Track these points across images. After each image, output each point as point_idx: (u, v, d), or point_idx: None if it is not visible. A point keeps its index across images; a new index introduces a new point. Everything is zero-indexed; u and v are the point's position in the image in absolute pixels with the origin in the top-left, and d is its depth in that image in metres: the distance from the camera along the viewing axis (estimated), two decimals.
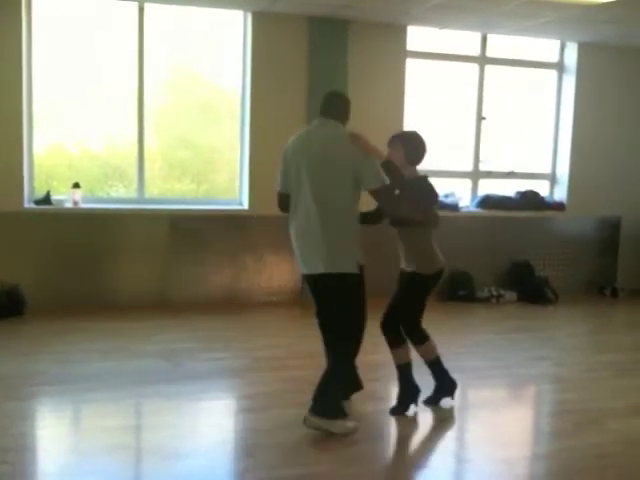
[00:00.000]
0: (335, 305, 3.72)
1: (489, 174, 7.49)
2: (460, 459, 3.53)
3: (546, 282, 7.22)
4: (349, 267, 3.61)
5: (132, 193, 6.50)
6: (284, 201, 3.81)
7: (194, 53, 6.67)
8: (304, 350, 4.93)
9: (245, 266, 6.57)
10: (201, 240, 6.43)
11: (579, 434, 3.74)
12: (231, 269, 6.54)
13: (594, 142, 7.49)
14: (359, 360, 3.81)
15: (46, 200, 6.08)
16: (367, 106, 6.27)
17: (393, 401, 3.97)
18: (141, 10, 6.21)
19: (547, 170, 7.69)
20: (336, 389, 3.67)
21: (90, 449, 3.43)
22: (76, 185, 6.10)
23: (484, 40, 7.21)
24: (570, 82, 7.47)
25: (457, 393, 4.10)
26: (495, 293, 7.05)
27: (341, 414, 3.62)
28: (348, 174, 3.58)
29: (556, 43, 7.49)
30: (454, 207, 7.07)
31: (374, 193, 3.60)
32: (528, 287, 7.15)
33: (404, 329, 3.96)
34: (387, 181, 3.60)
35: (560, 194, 7.63)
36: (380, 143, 3.72)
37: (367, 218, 3.81)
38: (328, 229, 3.59)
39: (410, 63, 6.92)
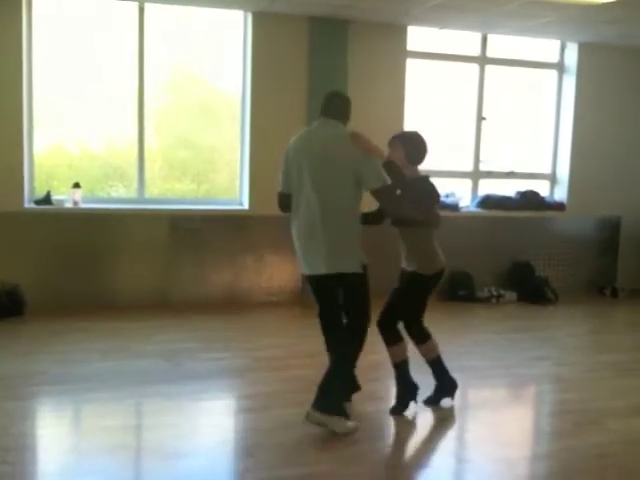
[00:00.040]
0: (338, 305, 3.73)
1: (489, 174, 7.49)
2: (460, 459, 3.53)
3: (546, 282, 7.22)
4: (351, 267, 3.62)
5: (132, 193, 6.50)
6: (285, 201, 3.81)
7: (194, 53, 6.67)
8: (304, 350, 4.93)
9: (245, 266, 6.57)
10: (201, 240, 6.43)
11: (579, 434, 3.74)
12: (231, 269, 6.54)
13: (594, 142, 7.49)
14: (358, 360, 3.81)
15: (46, 200, 6.09)
16: (367, 106, 6.27)
17: (393, 401, 3.97)
18: (141, 10, 6.21)
19: (547, 170, 7.69)
20: (338, 388, 3.67)
21: (90, 449, 3.43)
22: (76, 185, 6.10)
23: (484, 40, 7.21)
24: (570, 82, 7.47)
25: (457, 393, 4.10)
26: (495, 293, 7.05)
27: (342, 414, 3.62)
28: (349, 174, 3.58)
29: (556, 43, 7.49)
30: (454, 207, 7.07)
31: (375, 193, 3.60)
32: (528, 287, 7.15)
33: (406, 328, 3.97)
34: (388, 181, 3.60)
35: (560, 194, 7.63)
36: (380, 143, 3.72)
37: (368, 219, 3.81)
38: (330, 229, 3.59)
39: (410, 63, 6.92)
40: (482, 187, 7.47)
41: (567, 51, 7.48)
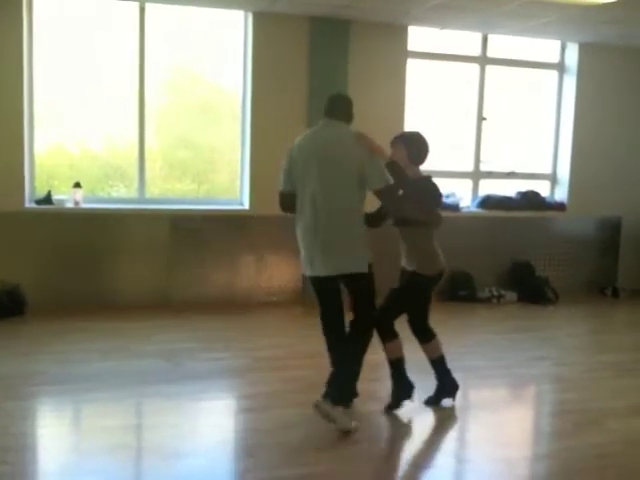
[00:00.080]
0: (341, 307, 3.74)
1: (490, 174, 7.49)
2: (460, 459, 3.53)
3: (546, 282, 7.22)
4: (358, 266, 3.63)
5: (133, 193, 6.50)
6: (286, 201, 3.82)
7: (195, 53, 6.67)
8: (305, 350, 4.94)
9: (245, 266, 6.57)
10: (201, 240, 6.43)
11: (579, 434, 3.74)
12: (231, 269, 6.54)
13: (595, 142, 7.49)
14: None
15: (47, 200, 6.09)
16: (368, 106, 6.26)
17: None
18: (142, 10, 6.21)
19: (548, 170, 7.69)
20: (343, 388, 3.71)
21: (90, 449, 3.43)
22: (77, 185, 6.10)
23: (485, 40, 7.21)
24: (571, 82, 7.47)
25: (457, 393, 4.10)
26: (496, 293, 7.05)
27: (349, 409, 3.68)
28: (353, 174, 3.60)
29: (557, 43, 7.49)
30: (455, 207, 7.07)
31: (378, 193, 3.62)
32: (529, 287, 7.15)
33: (411, 326, 3.97)
34: (391, 181, 3.62)
35: (561, 194, 7.63)
36: (381, 143, 3.72)
37: (368, 220, 3.80)
38: (335, 229, 3.61)
39: (411, 63, 6.92)
40: (482, 187, 7.47)
41: (567, 51, 7.48)
